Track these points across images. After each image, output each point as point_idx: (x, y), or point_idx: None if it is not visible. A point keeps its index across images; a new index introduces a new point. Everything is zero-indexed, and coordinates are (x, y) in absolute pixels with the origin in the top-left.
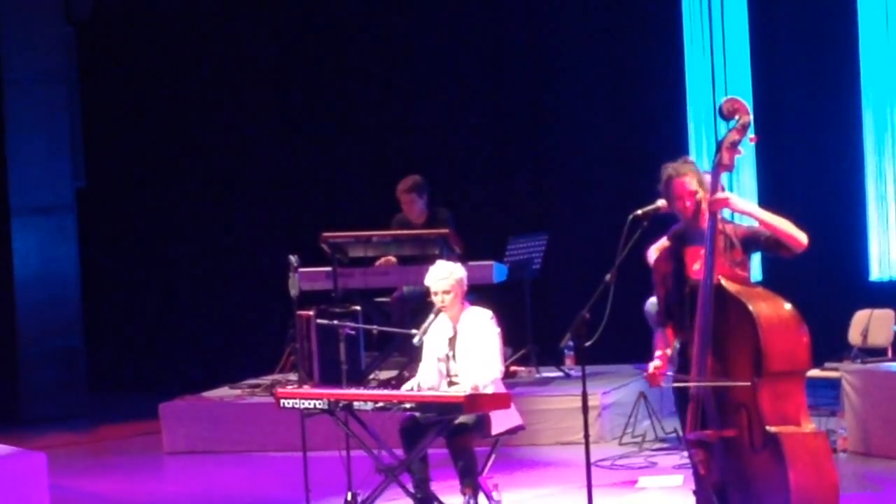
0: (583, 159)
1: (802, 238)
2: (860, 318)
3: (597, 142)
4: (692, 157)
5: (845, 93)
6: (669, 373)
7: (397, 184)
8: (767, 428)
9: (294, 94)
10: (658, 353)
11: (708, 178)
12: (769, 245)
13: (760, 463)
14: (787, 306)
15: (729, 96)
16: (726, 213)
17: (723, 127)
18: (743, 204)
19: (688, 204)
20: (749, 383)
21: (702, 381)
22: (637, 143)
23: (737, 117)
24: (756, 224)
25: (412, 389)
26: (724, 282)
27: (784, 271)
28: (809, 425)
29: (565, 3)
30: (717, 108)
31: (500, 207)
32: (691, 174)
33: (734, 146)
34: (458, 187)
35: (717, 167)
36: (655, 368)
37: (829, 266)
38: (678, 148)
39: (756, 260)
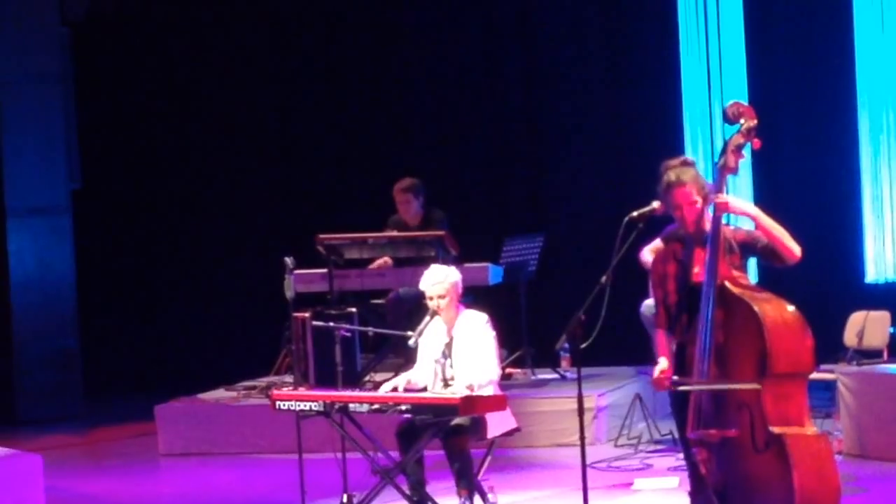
0: (579, 161)
1: (796, 249)
2: (856, 319)
3: (593, 144)
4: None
5: (841, 95)
6: (674, 377)
7: (393, 185)
8: (771, 429)
9: (291, 95)
10: (662, 357)
11: (705, 181)
12: (764, 252)
13: (763, 464)
14: (791, 308)
15: (734, 101)
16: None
17: (720, 130)
18: (742, 206)
19: (686, 213)
20: (757, 386)
21: (707, 385)
22: (633, 145)
23: (742, 121)
24: (753, 228)
25: (395, 388)
26: (727, 284)
27: (780, 273)
28: (811, 427)
29: (561, 6)
30: (722, 111)
31: (496, 209)
32: (691, 183)
33: (739, 149)
34: (455, 189)
35: (722, 170)
36: (661, 373)
37: (825, 268)
38: (674, 150)
39: (752, 262)
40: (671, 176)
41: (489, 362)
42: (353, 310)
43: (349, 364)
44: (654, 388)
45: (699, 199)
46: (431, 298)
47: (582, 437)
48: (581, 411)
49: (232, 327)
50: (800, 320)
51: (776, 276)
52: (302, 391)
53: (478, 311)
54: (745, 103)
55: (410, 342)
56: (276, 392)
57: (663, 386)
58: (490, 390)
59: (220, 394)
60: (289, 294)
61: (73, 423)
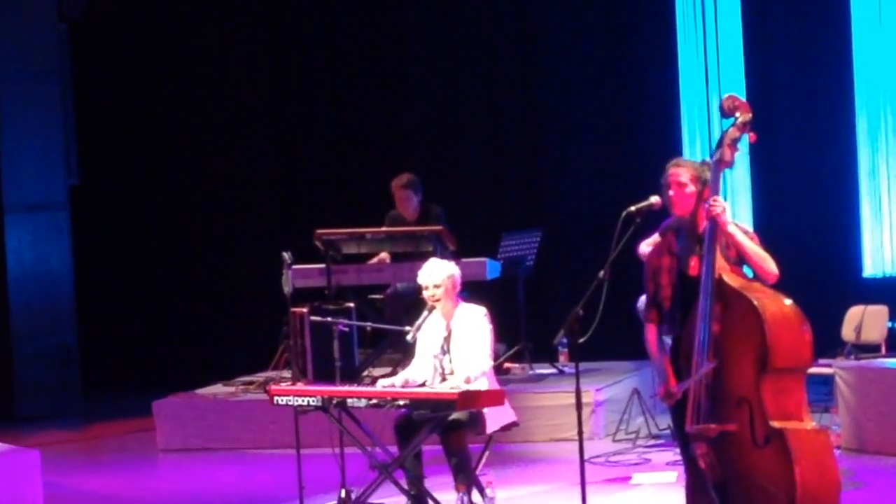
0: (577, 156)
1: (773, 272)
2: (853, 314)
3: (591, 139)
4: (685, 155)
5: (839, 90)
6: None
7: (391, 180)
8: (771, 423)
9: (288, 90)
10: (664, 372)
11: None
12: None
13: (763, 459)
14: (789, 302)
15: (729, 94)
16: None
17: (717, 125)
18: (728, 224)
19: (675, 195)
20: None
21: (690, 380)
22: (631, 140)
23: (737, 115)
24: (748, 229)
25: (393, 386)
26: (725, 277)
27: (778, 267)
28: (811, 422)
29: (559, 1)
30: (718, 105)
31: (494, 204)
32: (687, 167)
33: (734, 143)
34: (452, 184)
35: (719, 164)
36: (668, 389)
37: (822, 262)
38: (672, 145)
39: None
40: (673, 161)
41: (481, 354)
42: (351, 305)
43: (347, 359)
44: (666, 403)
45: (691, 186)
46: (427, 288)
47: (580, 432)
48: (579, 406)
49: (230, 322)
50: (798, 314)
51: None
52: (300, 386)
53: (476, 304)
54: (740, 97)
55: (408, 337)
56: (274, 387)
57: (673, 400)
58: (483, 382)
59: (218, 389)
60: (287, 289)
61: (71, 419)
